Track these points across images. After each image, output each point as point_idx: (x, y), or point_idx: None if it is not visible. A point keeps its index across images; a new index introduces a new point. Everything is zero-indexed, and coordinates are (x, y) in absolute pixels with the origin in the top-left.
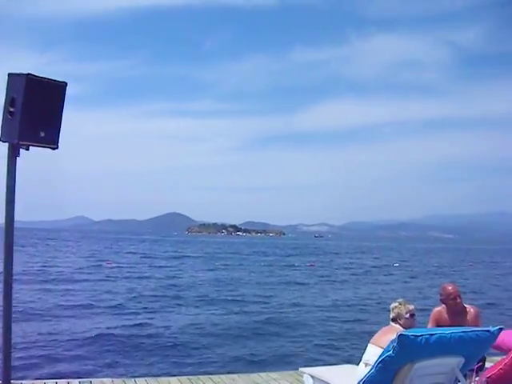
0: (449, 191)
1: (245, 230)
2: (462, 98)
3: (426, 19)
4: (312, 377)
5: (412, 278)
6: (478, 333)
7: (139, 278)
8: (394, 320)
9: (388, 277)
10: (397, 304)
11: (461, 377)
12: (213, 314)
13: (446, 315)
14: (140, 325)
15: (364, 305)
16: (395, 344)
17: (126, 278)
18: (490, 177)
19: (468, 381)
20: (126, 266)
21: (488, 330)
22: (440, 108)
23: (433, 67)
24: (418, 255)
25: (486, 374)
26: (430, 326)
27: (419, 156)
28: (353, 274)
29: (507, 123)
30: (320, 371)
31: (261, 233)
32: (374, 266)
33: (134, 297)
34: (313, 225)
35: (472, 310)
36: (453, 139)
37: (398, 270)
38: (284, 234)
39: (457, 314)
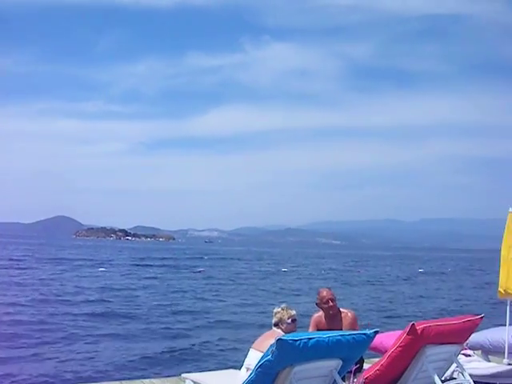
0: (336, 198)
1: (134, 235)
2: (351, 109)
3: (321, 31)
4: (194, 382)
5: (298, 281)
6: (354, 336)
7: None
8: (276, 325)
9: (278, 281)
10: (279, 309)
11: (338, 379)
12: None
13: (324, 320)
14: None
15: (252, 309)
16: (274, 348)
17: None
18: (376, 185)
19: (346, 382)
20: None
21: (364, 333)
22: (330, 117)
23: (325, 78)
24: (305, 260)
25: (363, 375)
26: (310, 330)
27: (309, 164)
28: (246, 279)
29: (393, 134)
30: (202, 376)
31: (151, 237)
32: (263, 271)
33: None
34: (203, 230)
35: (349, 314)
36: (341, 148)
37: (287, 276)
38: (174, 238)
39: (334, 318)
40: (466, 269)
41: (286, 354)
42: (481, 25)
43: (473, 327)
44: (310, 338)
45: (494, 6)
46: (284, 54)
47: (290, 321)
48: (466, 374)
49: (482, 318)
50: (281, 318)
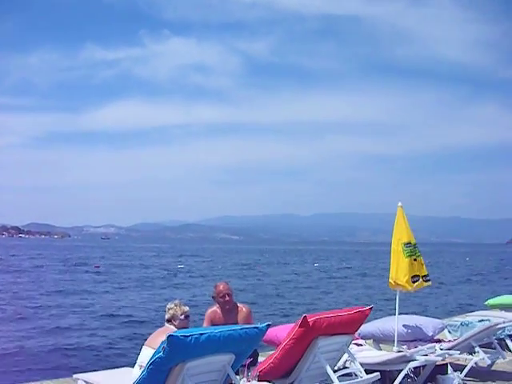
0: (235, 193)
1: (28, 232)
2: (250, 105)
3: (220, 27)
4: (86, 382)
5: (195, 278)
6: (246, 330)
7: None
8: (168, 321)
9: (175, 278)
10: (172, 305)
11: (232, 373)
12: None
13: (219, 314)
14: None
15: (150, 306)
16: (165, 345)
17: None
18: (274, 181)
19: (240, 376)
20: None
21: (256, 327)
22: (230, 113)
23: (224, 73)
24: (203, 255)
25: (257, 369)
26: (205, 325)
27: (207, 159)
28: (144, 276)
29: (291, 131)
30: (95, 376)
31: (45, 235)
32: (162, 267)
33: None
34: (100, 226)
35: (244, 308)
36: (239, 144)
37: (182, 273)
38: (69, 235)
39: (229, 312)
40: (362, 262)
41: (177, 351)
42: (377, 26)
43: (363, 318)
44: (202, 334)
45: (389, 9)
46: (183, 48)
47: (182, 317)
48: (357, 363)
49: (371, 308)
50: (173, 314)
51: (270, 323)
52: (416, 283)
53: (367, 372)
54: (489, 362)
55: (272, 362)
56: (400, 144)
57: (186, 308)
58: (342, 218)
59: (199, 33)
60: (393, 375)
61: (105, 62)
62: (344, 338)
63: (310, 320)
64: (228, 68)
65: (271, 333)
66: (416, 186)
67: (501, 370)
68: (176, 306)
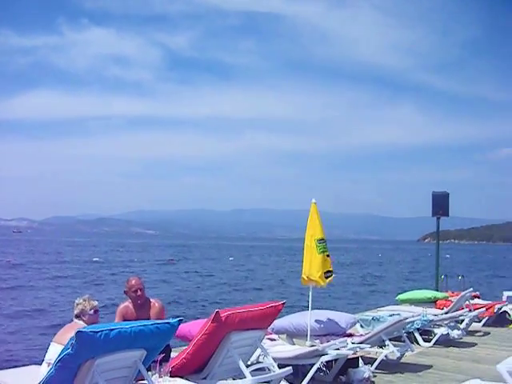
0: (151, 188)
1: None
2: (170, 99)
3: (140, 19)
4: None
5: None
6: (158, 325)
7: None
8: (77, 316)
9: (90, 272)
10: (81, 300)
11: (143, 369)
12: None
13: (131, 309)
14: None
15: (60, 301)
16: (74, 341)
17: None
18: (191, 175)
19: (152, 372)
20: None
21: (168, 323)
22: (148, 107)
23: (143, 66)
24: (118, 250)
25: (169, 364)
26: (116, 320)
27: (124, 152)
28: (55, 270)
29: (210, 126)
30: (0, 375)
31: None
32: (75, 261)
33: None
34: (11, 219)
35: (157, 304)
36: (157, 138)
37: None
38: None
39: (141, 308)
40: (278, 258)
41: (86, 347)
42: (298, 25)
43: (275, 313)
44: (112, 329)
45: (311, 9)
46: (102, 39)
47: (92, 312)
48: (270, 358)
49: (283, 304)
50: (82, 310)
51: (181, 318)
52: (329, 278)
53: (280, 366)
54: (398, 354)
55: (184, 358)
56: (318, 142)
57: (95, 302)
58: (259, 214)
59: (119, 24)
60: (305, 369)
61: (21, 49)
62: (257, 333)
63: (223, 315)
64: (148, 61)
65: (184, 328)
66: (332, 184)
67: (409, 362)
68: (85, 300)
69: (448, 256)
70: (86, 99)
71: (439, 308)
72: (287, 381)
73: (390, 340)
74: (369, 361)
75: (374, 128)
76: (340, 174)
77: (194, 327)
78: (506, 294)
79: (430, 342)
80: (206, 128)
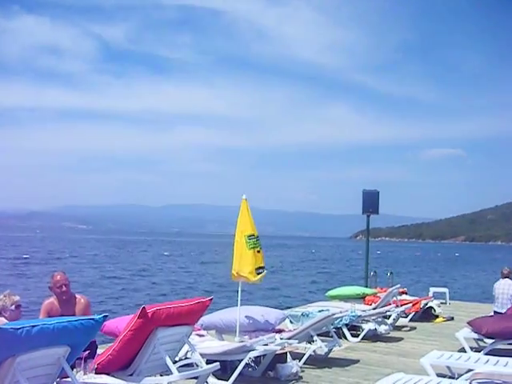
0: (84, 182)
1: None
2: (104, 92)
3: (75, 8)
4: None
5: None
6: (82, 321)
7: None
8: None
9: (16, 268)
10: (1, 296)
11: (66, 366)
12: None
13: (56, 306)
14: None
15: None
16: None
17: None
18: (123, 170)
19: (77, 369)
20: None
21: (93, 319)
22: (82, 99)
23: (77, 57)
24: (49, 245)
25: (95, 361)
26: (41, 317)
27: (54, 145)
28: None
29: (143, 120)
30: None
31: None
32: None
33: None
34: None
35: (83, 299)
36: (91, 131)
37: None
38: None
39: (66, 304)
40: (212, 253)
41: (6, 344)
42: (235, 22)
43: (203, 308)
44: (34, 326)
45: (249, 5)
46: (35, 28)
47: (13, 307)
48: (197, 354)
49: (211, 299)
50: (3, 306)
51: (106, 315)
52: (260, 275)
53: (209, 362)
54: (326, 349)
55: (110, 354)
56: (251, 139)
57: (17, 297)
58: (192, 209)
59: (53, 13)
60: (234, 365)
61: None
62: (184, 329)
63: (149, 311)
64: (83, 52)
65: (112, 324)
66: (265, 180)
67: (338, 356)
68: (5, 296)
69: (379, 253)
70: (17, 89)
71: (368, 304)
72: (215, 376)
73: (318, 335)
74: (297, 356)
75: (308, 126)
76: (273, 170)
77: (122, 323)
78: (432, 290)
79: (357, 337)
80: (140, 122)
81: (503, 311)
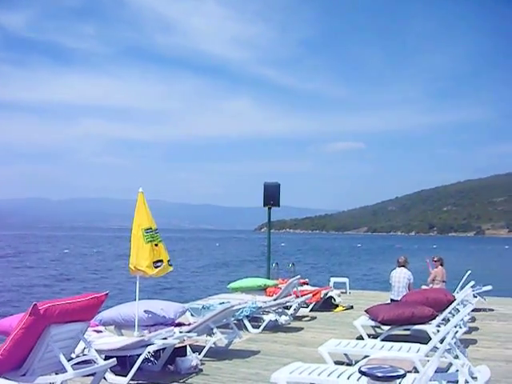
0: None
1: None
2: (3, 81)
3: None
4: None
5: None
6: None
7: None
8: None
9: None
10: None
11: None
12: None
13: None
14: None
15: None
16: None
17: None
18: (24, 163)
19: None
20: None
21: None
22: None
23: None
24: None
25: None
26: None
27: None
28: None
29: (47, 110)
30: None
31: None
32: None
33: None
34: None
35: None
36: None
37: None
38: None
39: None
40: (114, 248)
41: None
42: (141, 12)
43: (98, 304)
44: None
45: None
46: None
47: None
48: (93, 350)
49: (106, 294)
50: None
51: None
52: (159, 268)
53: (107, 358)
54: (226, 341)
55: (1, 355)
56: (157, 131)
57: None
58: (95, 203)
59: None
60: (134, 360)
61: None
62: (79, 326)
63: (41, 308)
64: None
65: (5, 323)
66: (171, 173)
67: (238, 348)
68: None
69: (283, 244)
70: None
71: (269, 295)
72: (114, 373)
73: (219, 328)
74: (198, 349)
75: (213, 119)
76: (179, 163)
77: (16, 321)
78: (333, 280)
79: (259, 328)
80: (41, 113)
81: (399, 299)
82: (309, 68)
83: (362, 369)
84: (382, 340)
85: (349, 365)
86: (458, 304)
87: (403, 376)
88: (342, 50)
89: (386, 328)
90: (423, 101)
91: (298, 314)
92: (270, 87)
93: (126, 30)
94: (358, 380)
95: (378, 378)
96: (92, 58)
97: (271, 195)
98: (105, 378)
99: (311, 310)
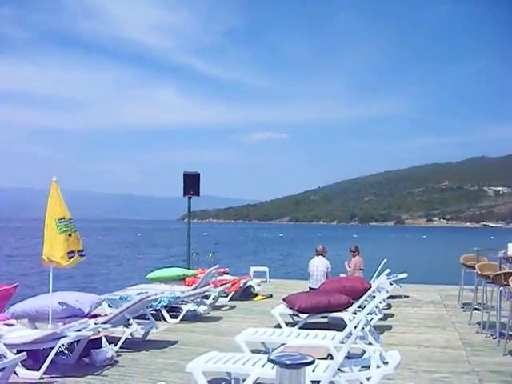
0: None
1: None
2: None
3: None
4: None
5: None
6: None
7: None
8: None
9: None
10: None
11: None
12: None
13: None
14: None
15: None
16: None
17: None
18: None
19: None
20: None
21: None
22: None
23: None
24: None
25: None
26: None
27: None
28: None
29: None
30: None
31: None
32: None
33: None
34: None
35: None
36: None
37: None
38: None
39: None
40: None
41: None
42: None
43: (7, 296)
44: None
45: None
46: None
47: None
48: (1, 344)
49: (16, 286)
50: None
51: None
52: (72, 259)
53: (19, 352)
54: (142, 332)
55: None
56: (79, 120)
57: None
58: (15, 193)
59: None
60: (47, 353)
61: None
62: None
63: None
64: None
65: None
66: (93, 163)
67: (156, 339)
68: None
69: (206, 234)
70: None
71: (188, 285)
72: (26, 367)
73: (136, 318)
74: (114, 341)
75: (135, 107)
76: (101, 153)
77: None
78: (252, 269)
79: (177, 318)
80: None
81: (317, 287)
82: (233, 58)
83: (271, 357)
84: (300, 328)
85: (266, 353)
86: (374, 291)
87: (311, 363)
88: (267, 41)
89: (303, 316)
90: (346, 93)
91: (217, 304)
92: (194, 76)
93: (46, 13)
94: (272, 368)
95: (286, 366)
96: (10, 43)
97: (191, 185)
98: (16, 374)
99: (230, 300)
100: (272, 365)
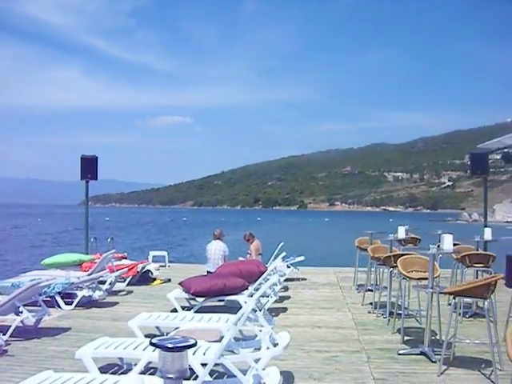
0: None
1: None
2: None
3: None
4: None
5: None
6: None
7: None
8: None
9: None
10: None
11: None
12: None
13: None
14: None
15: None
16: None
17: None
18: None
19: None
20: None
21: None
22: None
23: None
24: None
25: None
26: None
27: None
28: None
29: None
30: None
31: None
32: None
33: None
34: None
35: None
36: None
37: None
38: None
39: None
40: None
41: None
42: None
43: None
44: None
45: None
46: None
47: None
48: None
49: None
50: None
51: None
52: None
53: None
54: (34, 319)
55: None
56: None
57: None
58: None
59: None
60: None
61: None
62: None
63: None
64: None
65: None
66: None
67: (49, 326)
68: None
69: (107, 219)
70: None
71: (85, 270)
72: None
73: (28, 306)
74: (4, 329)
75: (37, 89)
76: None
77: None
78: (151, 253)
79: (72, 304)
80: None
81: (214, 270)
82: (138, 40)
83: (153, 341)
84: (196, 312)
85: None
86: (269, 274)
87: (193, 345)
88: (172, 24)
89: (200, 300)
90: (252, 78)
91: (114, 289)
92: (98, 57)
93: None
94: (153, 351)
95: (168, 349)
96: None
97: (88, 168)
98: None
99: (128, 285)
100: None
